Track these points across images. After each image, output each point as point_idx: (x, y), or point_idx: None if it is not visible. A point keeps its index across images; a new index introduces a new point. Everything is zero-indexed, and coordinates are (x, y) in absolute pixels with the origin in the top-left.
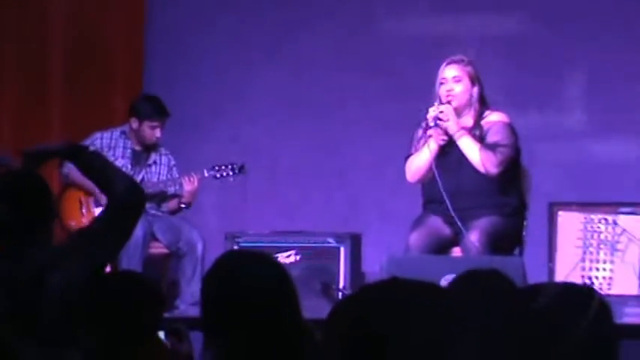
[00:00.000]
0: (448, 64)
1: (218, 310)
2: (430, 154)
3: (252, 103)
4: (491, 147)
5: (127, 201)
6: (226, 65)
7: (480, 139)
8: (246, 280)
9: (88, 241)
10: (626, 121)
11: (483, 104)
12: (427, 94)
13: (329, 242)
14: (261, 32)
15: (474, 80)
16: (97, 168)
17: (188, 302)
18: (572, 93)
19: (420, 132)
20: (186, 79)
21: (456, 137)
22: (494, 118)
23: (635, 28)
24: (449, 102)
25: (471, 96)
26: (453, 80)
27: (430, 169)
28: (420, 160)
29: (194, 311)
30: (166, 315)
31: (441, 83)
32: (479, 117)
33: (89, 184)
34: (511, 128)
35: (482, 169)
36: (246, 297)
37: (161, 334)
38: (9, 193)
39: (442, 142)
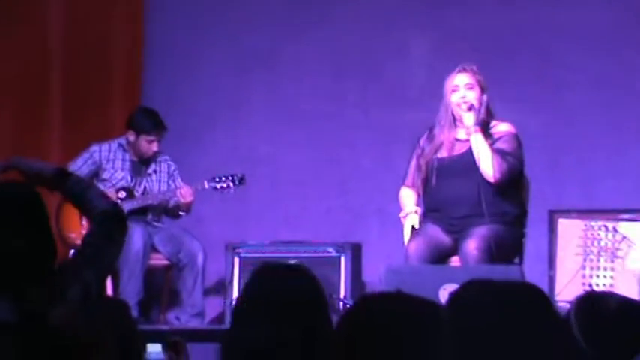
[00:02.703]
0: (460, 71)
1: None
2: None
3: (251, 112)
4: (500, 154)
5: (111, 216)
6: (225, 75)
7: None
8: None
9: (88, 256)
10: (628, 128)
11: (490, 114)
12: (428, 101)
13: (329, 252)
14: (260, 40)
15: (484, 89)
16: (80, 193)
17: (189, 314)
18: (572, 98)
19: (414, 162)
20: (184, 90)
21: (472, 130)
22: (503, 128)
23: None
24: (471, 107)
25: (481, 104)
26: (465, 87)
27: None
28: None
29: (195, 322)
30: (166, 327)
31: (453, 90)
32: (487, 126)
33: None
34: (518, 140)
35: (489, 172)
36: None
37: (158, 347)
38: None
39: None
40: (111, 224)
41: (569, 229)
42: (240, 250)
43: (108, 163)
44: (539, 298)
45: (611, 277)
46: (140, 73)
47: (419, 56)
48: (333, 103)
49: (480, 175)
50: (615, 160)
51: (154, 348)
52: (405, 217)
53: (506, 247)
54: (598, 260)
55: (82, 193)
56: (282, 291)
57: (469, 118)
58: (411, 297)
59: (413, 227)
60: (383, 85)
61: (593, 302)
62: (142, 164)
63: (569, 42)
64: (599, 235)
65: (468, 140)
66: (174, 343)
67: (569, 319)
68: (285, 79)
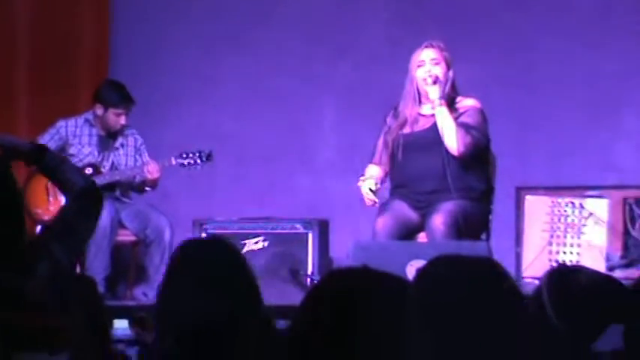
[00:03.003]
0: (426, 47)
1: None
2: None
3: (218, 89)
4: (464, 127)
5: (87, 193)
6: (191, 51)
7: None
8: (206, 267)
9: (60, 232)
10: (594, 105)
11: (455, 90)
12: (395, 79)
13: (297, 228)
14: (227, 18)
15: (450, 65)
16: (56, 168)
17: (156, 290)
18: (539, 76)
19: (382, 140)
20: (151, 66)
21: (436, 103)
22: (468, 103)
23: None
24: (436, 80)
25: (447, 80)
26: (431, 62)
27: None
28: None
29: None
30: (133, 303)
31: (419, 66)
32: (452, 102)
33: None
34: (483, 115)
35: (453, 145)
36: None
37: (125, 323)
38: None
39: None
40: (86, 201)
41: (535, 205)
42: (207, 226)
43: (75, 139)
44: (502, 275)
45: (578, 253)
46: (107, 49)
47: (384, 34)
48: (300, 80)
49: (445, 150)
50: (582, 137)
51: (121, 324)
52: (362, 180)
53: (473, 222)
54: (565, 236)
55: (58, 169)
56: (205, 265)
57: (434, 91)
58: (378, 273)
59: (372, 191)
60: (348, 62)
61: (564, 277)
62: (108, 138)
63: (536, 19)
64: (565, 211)
65: (432, 115)
66: (141, 318)
67: (540, 294)
68: (251, 55)
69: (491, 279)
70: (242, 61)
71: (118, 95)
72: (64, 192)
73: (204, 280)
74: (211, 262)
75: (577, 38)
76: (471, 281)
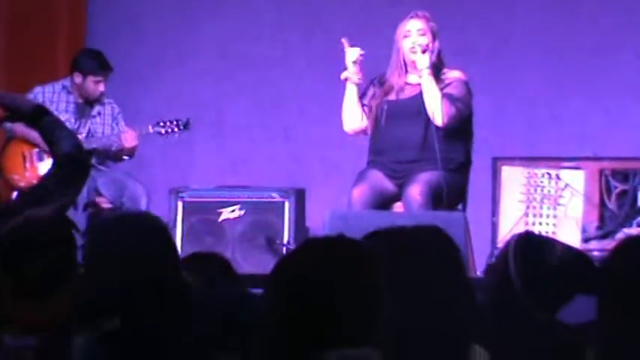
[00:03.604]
0: (412, 17)
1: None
2: (354, 89)
3: (196, 57)
4: (449, 98)
5: (73, 160)
6: (170, 19)
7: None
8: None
9: (38, 197)
10: (570, 77)
11: (441, 61)
12: (374, 46)
13: (273, 197)
14: None
15: (436, 36)
16: (52, 132)
17: None
18: (516, 48)
19: (371, 91)
20: (129, 33)
21: (423, 73)
22: (453, 74)
23: None
24: (425, 49)
25: (433, 51)
26: (417, 33)
27: (357, 110)
28: (346, 104)
29: None
30: None
31: (405, 36)
32: (438, 73)
33: (33, 136)
34: (468, 87)
35: (437, 115)
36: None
37: None
38: None
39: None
40: (71, 168)
41: (512, 176)
42: (184, 194)
43: (52, 105)
44: (449, 244)
45: (554, 224)
46: (84, 16)
47: (362, 4)
48: (278, 50)
49: (428, 119)
50: (558, 108)
51: None
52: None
53: (451, 193)
54: (541, 207)
55: (53, 132)
56: (127, 241)
57: (423, 60)
58: (354, 242)
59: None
60: (328, 32)
61: (534, 248)
62: (86, 106)
63: None
64: (542, 182)
65: (418, 84)
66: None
67: (506, 263)
68: (230, 24)
69: (437, 249)
70: (221, 30)
71: (96, 62)
72: (53, 155)
73: (125, 258)
74: (135, 239)
75: (552, 9)
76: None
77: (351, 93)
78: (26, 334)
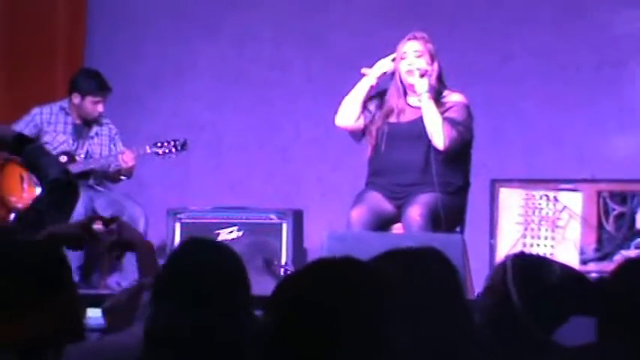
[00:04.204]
0: (409, 39)
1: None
2: (365, 89)
3: (193, 78)
4: (450, 122)
5: (62, 185)
6: (168, 39)
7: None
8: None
9: (31, 222)
10: (569, 98)
11: (441, 83)
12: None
13: (271, 218)
14: (203, 6)
15: (434, 58)
16: (36, 159)
17: (129, 279)
18: (514, 70)
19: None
20: (127, 54)
21: (423, 97)
22: (454, 98)
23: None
24: (424, 73)
25: (431, 75)
26: (414, 55)
27: (362, 104)
28: (350, 97)
29: None
30: (107, 292)
31: (402, 58)
32: (439, 95)
33: None
34: (469, 110)
35: (439, 139)
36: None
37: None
38: None
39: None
40: (60, 193)
41: (510, 198)
42: (182, 215)
43: (49, 126)
44: (446, 265)
45: (552, 246)
46: (83, 37)
47: (364, 23)
48: (276, 70)
49: (429, 143)
50: (557, 129)
51: (94, 313)
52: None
53: (449, 215)
54: (539, 229)
55: (37, 159)
56: (206, 269)
57: (422, 85)
58: (362, 264)
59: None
60: (326, 52)
61: (534, 267)
62: (84, 126)
63: (511, 11)
64: (539, 204)
65: (419, 107)
66: (111, 307)
67: (504, 280)
68: (228, 45)
69: (435, 271)
70: (219, 50)
71: (94, 83)
72: (40, 182)
73: (201, 286)
74: (215, 267)
75: (552, 30)
76: (415, 272)
77: (361, 89)
78: (5, 350)
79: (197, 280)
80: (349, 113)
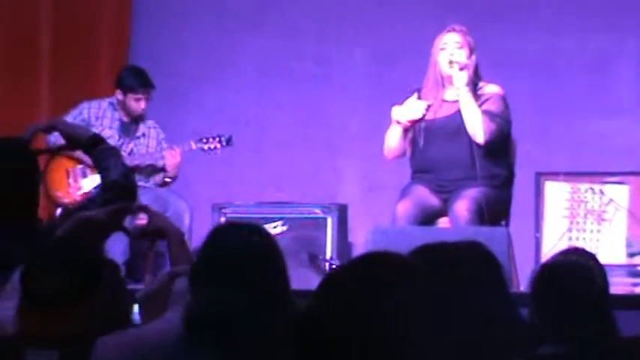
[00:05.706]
0: (449, 31)
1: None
2: (400, 129)
3: (238, 72)
4: (489, 115)
5: (119, 187)
6: (212, 35)
7: None
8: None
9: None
10: (615, 90)
11: (477, 76)
12: (414, 62)
13: (316, 213)
14: (246, 0)
15: (473, 51)
16: (102, 160)
17: None
18: (560, 61)
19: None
20: (172, 50)
21: (462, 91)
22: (490, 89)
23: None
24: (463, 67)
25: (469, 67)
26: (455, 46)
27: (400, 143)
28: (390, 136)
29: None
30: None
31: (442, 49)
32: (475, 87)
33: (77, 153)
34: (506, 101)
35: (479, 133)
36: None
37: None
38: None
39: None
40: (115, 194)
41: (555, 191)
42: (227, 210)
43: (97, 121)
44: (490, 259)
45: (598, 239)
46: (127, 33)
47: (406, 18)
48: (321, 65)
49: (469, 138)
50: (603, 122)
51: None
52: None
53: (495, 209)
54: (585, 223)
55: (105, 160)
56: (240, 251)
57: (461, 79)
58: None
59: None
60: (369, 48)
61: (551, 280)
62: (131, 124)
63: (558, 4)
64: (585, 197)
65: (456, 101)
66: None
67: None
68: (272, 39)
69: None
70: (262, 46)
71: (136, 80)
72: (103, 181)
73: (237, 268)
74: (248, 249)
75: (599, 21)
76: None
77: (396, 131)
78: (49, 349)
79: (233, 263)
80: (394, 149)
